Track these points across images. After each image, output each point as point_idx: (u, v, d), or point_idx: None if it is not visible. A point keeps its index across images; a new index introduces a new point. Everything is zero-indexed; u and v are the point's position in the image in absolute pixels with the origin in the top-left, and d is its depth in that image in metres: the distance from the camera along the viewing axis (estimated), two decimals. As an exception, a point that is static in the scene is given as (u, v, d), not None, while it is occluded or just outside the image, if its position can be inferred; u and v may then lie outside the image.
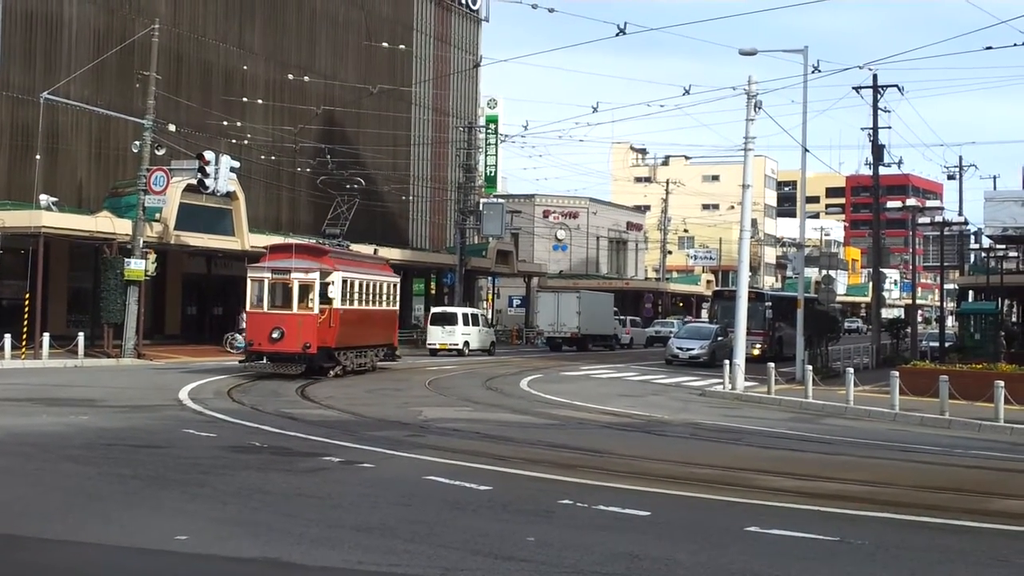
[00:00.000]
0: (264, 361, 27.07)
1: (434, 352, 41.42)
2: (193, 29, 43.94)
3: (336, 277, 27.42)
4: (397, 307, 33.58)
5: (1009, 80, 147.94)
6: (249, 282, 27.35)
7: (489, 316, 50.24)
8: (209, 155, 33.93)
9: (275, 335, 26.24)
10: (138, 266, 33.32)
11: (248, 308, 27.45)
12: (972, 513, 10.52)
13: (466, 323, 42.78)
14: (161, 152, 34.80)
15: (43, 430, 15.27)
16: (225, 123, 42.76)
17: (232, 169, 35.18)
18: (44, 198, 33.41)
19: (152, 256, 34.34)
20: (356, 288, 29.26)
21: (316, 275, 26.74)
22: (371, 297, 30.62)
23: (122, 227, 33.96)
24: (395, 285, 32.95)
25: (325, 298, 26.93)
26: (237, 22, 46.52)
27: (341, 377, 27.83)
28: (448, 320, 42.34)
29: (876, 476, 13.00)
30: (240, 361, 28.01)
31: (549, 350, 48.67)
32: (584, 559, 8.20)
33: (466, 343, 42.36)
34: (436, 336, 42.03)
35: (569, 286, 59.64)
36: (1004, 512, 10.83)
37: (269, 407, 19.69)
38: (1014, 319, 51.85)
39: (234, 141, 42.65)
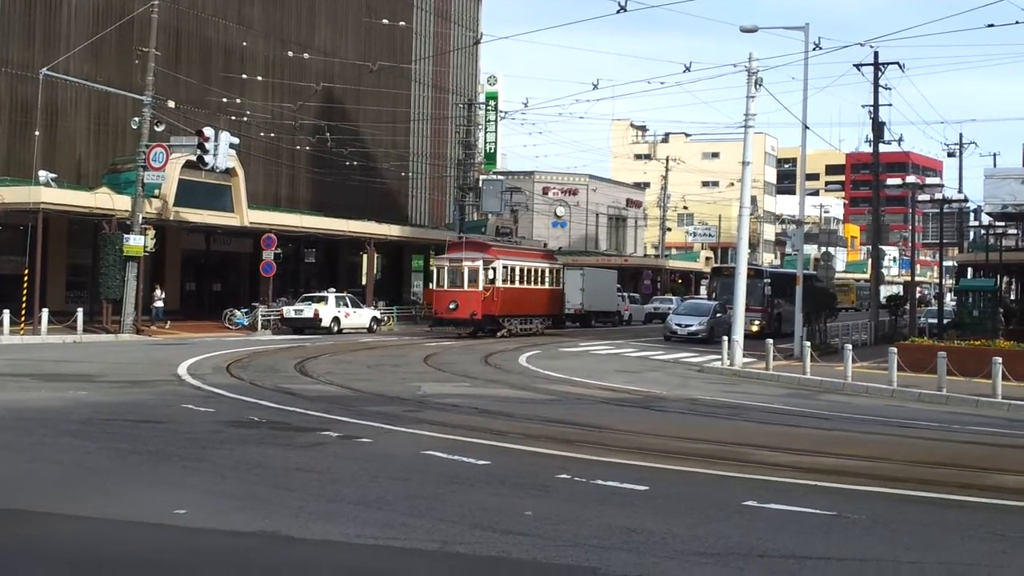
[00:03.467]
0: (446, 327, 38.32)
1: None
2: (192, 5, 43.76)
3: (498, 264, 38.11)
4: (561, 287, 43.91)
5: (1010, 58, 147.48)
6: (435, 269, 39.11)
7: None
8: (208, 131, 33.88)
9: (451, 306, 37.29)
10: (137, 242, 33.33)
11: (434, 288, 38.89)
12: (969, 488, 10.55)
13: None
14: (160, 128, 34.77)
15: (42, 405, 15.31)
16: (224, 99, 42.68)
17: (231, 145, 35.14)
18: (43, 174, 33.41)
19: (151, 232, 34.38)
20: (517, 272, 39.62)
21: (480, 262, 37.51)
22: (533, 279, 40.94)
23: (121, 203, 33.97)
24: (557, 270, 43.57)
25: (488, 279, 37.33)
26: (236, -3, 46.31)
27: (507, 338, 37.77)
28: None
29: (873, 451, 13.02)
30: (429, 325, 40.36)
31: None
32: (582, 533, 8.23)
33: None
34: None
35: (569, 263, 59.62)
36: (1000, 487, 10.86)
37: (268, 382, 19.73)
38: (1013, 296, 51.85)
39: (233, 118, 42.56)
